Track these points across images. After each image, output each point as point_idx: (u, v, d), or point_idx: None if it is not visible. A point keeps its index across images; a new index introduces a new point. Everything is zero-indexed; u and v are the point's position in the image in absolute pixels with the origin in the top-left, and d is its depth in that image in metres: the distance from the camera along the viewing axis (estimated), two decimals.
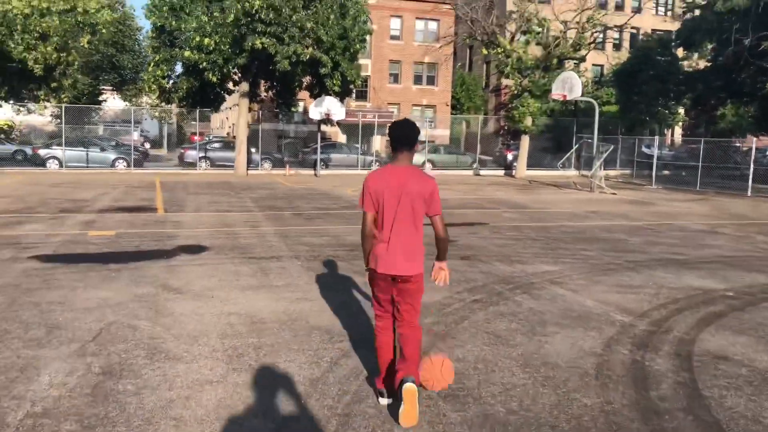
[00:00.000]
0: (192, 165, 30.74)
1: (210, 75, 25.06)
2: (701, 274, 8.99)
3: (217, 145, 33.99)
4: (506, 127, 49.54)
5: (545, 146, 35.45)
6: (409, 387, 3.95)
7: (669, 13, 53.50)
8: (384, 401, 4.36)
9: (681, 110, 42.39)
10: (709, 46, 26.55)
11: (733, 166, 35.66)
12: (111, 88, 52.46)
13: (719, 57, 28.17)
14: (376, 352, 4.44)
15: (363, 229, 4.23)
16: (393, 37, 48.83)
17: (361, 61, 47.85)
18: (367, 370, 4.97)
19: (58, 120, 46.61)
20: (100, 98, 50.30)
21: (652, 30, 49.46)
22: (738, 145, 41.56)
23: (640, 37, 47.51)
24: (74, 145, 31.26)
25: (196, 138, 48.56)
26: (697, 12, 29.50)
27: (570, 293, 7.64)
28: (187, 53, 24.79)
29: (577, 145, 27.42)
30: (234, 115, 57.52)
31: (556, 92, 23.17)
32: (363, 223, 4.23)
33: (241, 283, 7.76)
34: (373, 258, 4.23)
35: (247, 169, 29.46)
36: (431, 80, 49.92)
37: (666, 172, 32.93)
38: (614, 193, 22.39)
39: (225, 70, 25.20)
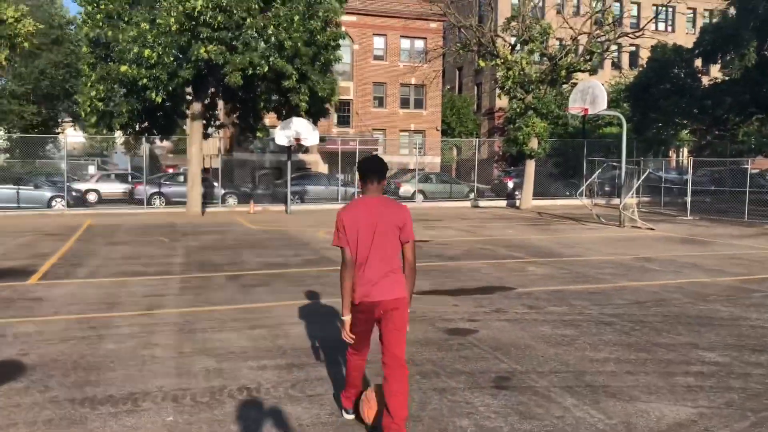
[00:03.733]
0: (143, 203, 26.11)
1: (152, 94, 20.55)
2: None
3: (181, 179, 29.48)
4: (502, 153, 45.42)
5: (550, 172, 31.11)
6: None
7: (673, 23, 49.86)
8: (348, 416, 4.40)
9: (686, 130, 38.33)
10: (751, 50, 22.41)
11: (757, 190, 31.64)
12: (70, 119, 48.19)
13: (749, 65, 24.06)
14: (346, 371, 4.34)
15: (342, 268, 4.02)
16: (377, 57, 44.81)
17: (344, 84, 43.79)
18: None
19: (7, 155, 42.13)
20: (58, 130, 45.96)
21: (653, 46, 45.60)
22: (747, 167, 37.66)
23: (640, 55, 43.64)
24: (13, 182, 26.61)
25: (170, 170, 43.92)
26: (731, 11, 25.45)
27: None
28: (123, 68, 20.32)
29: (599, 170, 23.09)
30: (209, 146, 53.05)
31: (575, 106, 18.88)
32: (342, 261, 4.02)
33: None
34: (355, 291, 4.00)
35: (206, 206, 24.90)
36: (419, 103, 45.80)
37: (687, 199, 28.73)
38: (651, 228, 17.99)
39: (170, 88, 20.68)
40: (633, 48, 46.27)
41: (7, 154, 42.25)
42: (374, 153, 5.05)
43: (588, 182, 22.51)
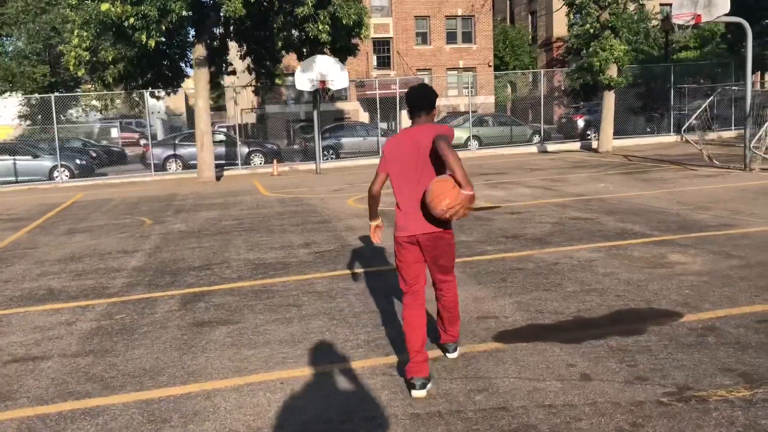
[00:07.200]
0: (157, 168, 22.44)
1: (142, 36, 16.66)
2: None
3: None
4: (564, 87, 40.21)
5: (629, 106, 26.12)
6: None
7: None
8: (418, 393, 3.69)
9: None
10: None
11: None
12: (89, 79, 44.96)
13: None
14: (405, 332, 3.83)
15: (371, 187, 3.98)
16: None
17: (381, 20, 39.11)
18: None
19: (29, 121, 39.07)
20: (79, 90, 42.71)
21: None
22: None
23: None
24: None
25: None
26: None
27: None
28: (104, 6, 16.44)
29: (710, 98, 18.31)
30: (244, 100, 49.05)
31: (682, 12, 14.15)
32: (373, 181, 3.95)
33: None
34: (397, 226, 3.89)
35: (225, 169, 21.23)
36: (468, 37, 40.79)
37: None
38: None
39: (163, 28, 16.73)
40: None
41: (28, 120, 39.18)
42: (422, 82, 4.05)
43: (697, 114, 17.69)
